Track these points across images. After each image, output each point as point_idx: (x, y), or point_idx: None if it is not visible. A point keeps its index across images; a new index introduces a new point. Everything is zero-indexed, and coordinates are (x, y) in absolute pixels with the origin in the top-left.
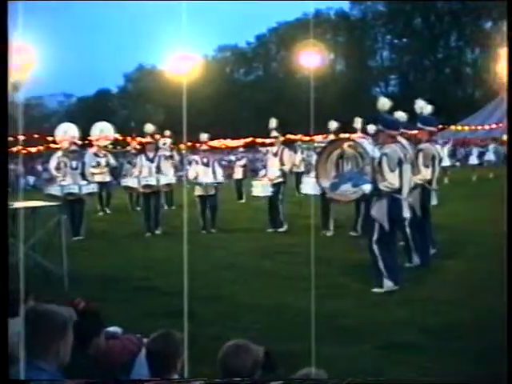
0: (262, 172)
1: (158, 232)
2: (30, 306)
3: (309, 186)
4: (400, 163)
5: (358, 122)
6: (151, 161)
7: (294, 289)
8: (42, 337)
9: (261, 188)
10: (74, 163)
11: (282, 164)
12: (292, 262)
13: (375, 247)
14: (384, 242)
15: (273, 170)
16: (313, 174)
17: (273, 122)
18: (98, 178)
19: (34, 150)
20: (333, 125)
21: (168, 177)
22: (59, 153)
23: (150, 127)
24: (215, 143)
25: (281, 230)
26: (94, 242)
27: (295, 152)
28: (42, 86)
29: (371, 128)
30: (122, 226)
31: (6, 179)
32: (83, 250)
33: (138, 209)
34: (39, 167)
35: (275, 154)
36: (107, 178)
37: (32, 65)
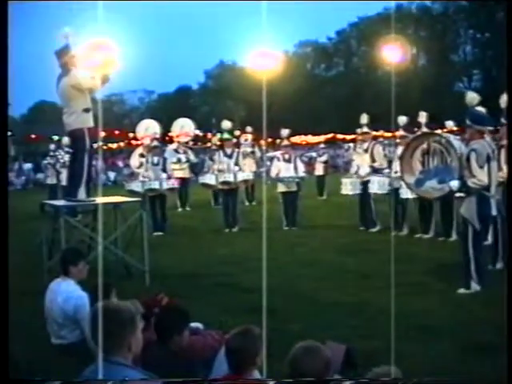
0: (354, 169)
1: (235, 229)
2: (100, 304)
3: (376, 185)
4: (488, 159)
5: (422, 117)
6: (229, 157)
7: (377, 287)
8: (114, 332)
9: (350, 185)
10: (156, 159)
11: (373, 161)
12: (374, 260)
13: (470, 248)
14: (476, 243)
15: (363, 166)
16: (382, 171)
17: (364, 118)
18: (178, 174)
19: (114, 145)
20: (402, 120)
21: (245, 173)
22: (140, 149)
23: (227, 124)
24: (296, 139)
25: (373, 230)
26: (174, 238)
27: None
28: (123, 82)
29: (449, 124)
30: (202, 223)
31: (5, 179)
32: (164, 245)
33: (220, 207)
34: (120, 163)
35: (366, 150)
36: (187, 175)
37: (114, 61)
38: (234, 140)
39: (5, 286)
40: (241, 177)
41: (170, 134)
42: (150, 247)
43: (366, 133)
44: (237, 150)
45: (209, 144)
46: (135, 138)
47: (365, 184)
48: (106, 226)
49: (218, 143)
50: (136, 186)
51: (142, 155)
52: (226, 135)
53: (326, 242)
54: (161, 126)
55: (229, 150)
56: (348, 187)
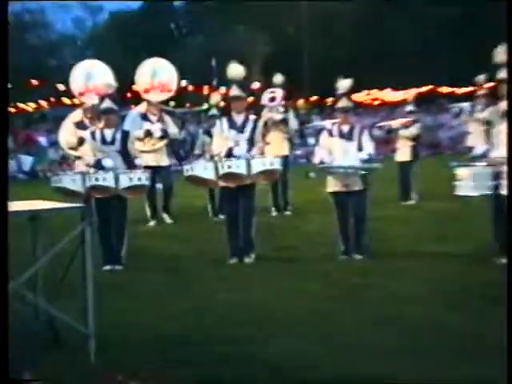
0: (479, 149)
1: (249, 259)
2: None
3: None
4: None
5: None
6: (240, 129)
7: None
8: None
9: (473, 180)
10: (108, 133)
11: None
12: None
13: None
14: None
15: (494, 145)
16: None
17: (500, 54)
18: (148, 161)
19: (31, 107)
20: None
21: (269, 159)
22: (79, 114)
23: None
24: (362, 97)
25: None
26: (141, 278)
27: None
28: None
29: None
30: (190, 249)
31: (5, 178)
32: (122, 289)
33: (222, 216)
34: (42, 139)
35: (502, 114)
36: (165, 161)
37: None
38: (250, 99)
39: (5, 286)
40: (260, 165)
41: (133, 87)
42: (97, 292)
43: (500, 81)
44: (253, 117)
45: (205, 106)
46: (69, 95)
47: (499, 178)
48: (16, 252)
49: (221, 104)
50: (71, 180)
51: (81, 125)
52: (236, 91)
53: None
54: (114, 74)
55: (239, 118)
56: (468, 183)
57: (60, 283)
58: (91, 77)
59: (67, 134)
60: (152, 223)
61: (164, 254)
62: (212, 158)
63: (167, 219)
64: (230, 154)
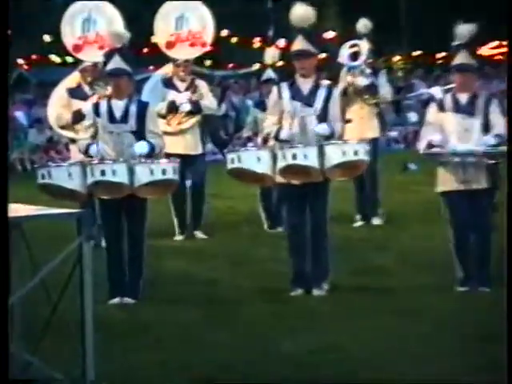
0: None
1: (319, 292)
2: None
3: None
4: None
5: None
6: (307, 100)
7: None
8: None
9: None
10: (118, 106)
11: None
12: None
13: None
14: None
15: None
16: None
17: None
18: (173, 146)
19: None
20: None
21: (350, 144)
22: (73, 78)
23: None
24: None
25: None
26: (162, 313)
27: None
28: None
29: None
30: (242, 269)
31: (5, 177)
32: (133, 331)
33: (281, 229)
34: (18, 114)
35: None
36: (196, 147)
37: None
38: (322, 55)
39: (5, 286)
40: (338, 154)
41: (152, 39)
42: (103, 336)
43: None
44: (326, 82)
45: (254, 67)
46: (60, 50)
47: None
48: None
49: (280, 64)
50: (65, 175)
51: (78, 93)
52: (301, 44)
53: None
54: (125, 20)
55: (306, 84)
56: None
57: (47, 321)
58: (92, 23)
59: (58, 106)
60: (180, 237)
61: (198, 281)
62: (266, 142)
63: (198, 234)
64: (291, 138)
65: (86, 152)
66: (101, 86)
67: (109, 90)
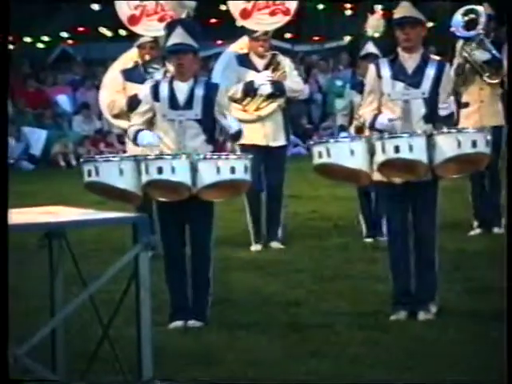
0: None
1: None
2: None
3: None
4: None
5: None
6: (413, 80)
7: None
8: None
9: None
10: (182, 88)
11: None
12: None
13: None
14: None
15: None
16: None
17: None
18: (252, 137)
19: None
20: None
21: (470, 134)
22: (129, 56)
23: None
24: None
25: None
26: (237, 340)
27: None
28: None
29: None
30: (334, 286)
31: (6, 177)
32: (206, 361)
33: (384, 238)
34: (61, 98)
35: None
36: (278, 138)
37: None
38: (430, 24)
39: (5, 286)
40: (452, 147)
41: (221, 7)
42: (163, 366)
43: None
44: (435, 58)
45: (344, 40)
46: (111, 22)
47: None
48: (21, 292)
49: (377, 35)
50: (116, 172)
51: (134, 75)
52: (406, 10)
53: None
54: None
55: (411, 60)
56: None
57: (95, 347)
58: None
59: (112, 90)
60: (257, 247)
61: (276, 301)
62: (361, 131)
63: (275, 244)
64: (392, 127)
65: (134, 140)
66: (156, 68)
67: (170, 70)
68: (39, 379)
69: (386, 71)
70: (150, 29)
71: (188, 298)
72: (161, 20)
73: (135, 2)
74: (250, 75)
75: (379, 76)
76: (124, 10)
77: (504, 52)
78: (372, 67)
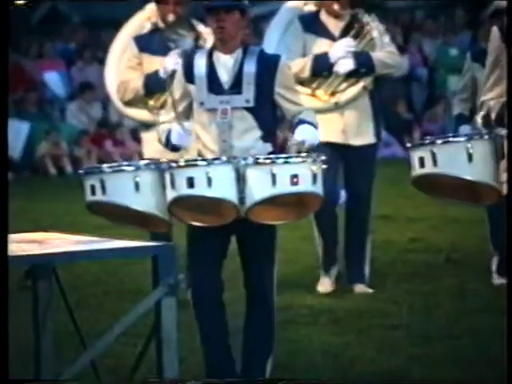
0: None
1: None
2: None
3: None
4: None
5: None
6: None
7: None
8: None
9: None
10: (226, 63)
11: None
12: None
13: None
14: None
15: None
16: None
17: None
18: (325, 133)
19: None
20: None
21: None
22: (145, 15)
23: None
24: None
25: None
26: None
27: None
28: None
29: None
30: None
31: (5, 176)
32: None
33: None
34: (50, 76)
35: None
36: (364, 134)
37: None
38: None
39: (5, 286)
40: None
41: None
42: None
43: None
44: None
45: None
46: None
47: None
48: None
49: None
50: (130, 186)
51: (154, 43)
52: None
53: None
54: None
55: None
56: None
57: None
58: None
59: (124, 66)
60: (328, 286)
61: (363, 369)
62: (488, 123)
63: (359, 287)
64: None
65: (167, 144)
66: (181, 34)
67: (205, 36)
68: (39, 379)
69: None
70: None
71: (231, 358)
72: None
73: None
74: (322, 45)
75: (508, 43)
76: None
77: None
78: (495, 30)
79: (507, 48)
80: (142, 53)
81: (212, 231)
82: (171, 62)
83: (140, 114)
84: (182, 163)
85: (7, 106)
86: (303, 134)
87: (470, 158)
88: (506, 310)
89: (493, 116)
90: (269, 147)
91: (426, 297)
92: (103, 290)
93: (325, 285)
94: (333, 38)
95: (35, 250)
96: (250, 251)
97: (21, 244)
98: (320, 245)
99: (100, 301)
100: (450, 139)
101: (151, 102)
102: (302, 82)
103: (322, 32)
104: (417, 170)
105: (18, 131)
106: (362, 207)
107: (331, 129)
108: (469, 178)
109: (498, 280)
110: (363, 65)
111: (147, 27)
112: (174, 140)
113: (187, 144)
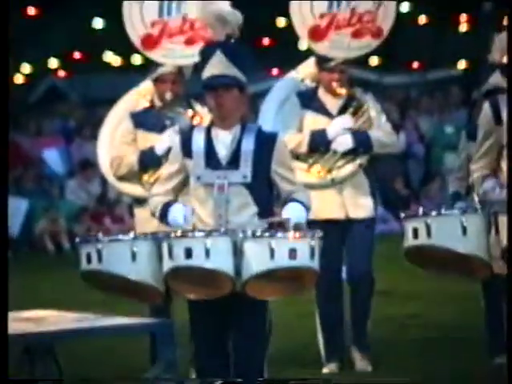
0: None
1: None
2: None
3: None
4: None
5: None
6: None
7: None
8: None
9: None
10: (224, 139)
11: None
12: None
13: None
14: None
15: None
16: None
17: None
18: (323, 207)
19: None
20: None
21: None
22: (141, 93)
23: None
24: None
25: None
26: None
27: None
28: None
29: None
30: None
31: (6, 178)
32: None
33: None
34: (49, 154)
35: None
36: (363, 208)
37: None
38: None
39: (5, 285)
40: None
41: (278, 23)
42: None
43: None
44: None
45: (460, 64)
46: (119, 45)
47: None
48: None
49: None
50: (126, 256)
51: (149, 120)
52: None
53: None
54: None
55: None
56: None
57: None
58: (175, 1)
59: (117, 141)
60: (332, 367)
61: None
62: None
63: (361, 364)
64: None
65: (161, 218)
66: (179, 112)
67: (200, 114)
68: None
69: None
70: (173, 55)
71: None
72: (188, 43)
73: (153, 17)
74: (320, 121)
75: (498, 119)
76: (137, 28)
77: None
78: (487, 107)
79: (507, 47)
80: (137, 129)
81: (208, 305)
82: (167, 139)
83: (133, 189)
84: (180, 233)
85: (7, 186)
86: (290, 212)
87: (464, 231)
88: (506, 311)
89: (476, 188)
90: (265, 224)
91: (428, 377)
92: (101, 368)
93: (329, 369)
94: (331, 116)
95: (32, 327)
96: (240, 325)
97: (17, 323)
98: (320, 330)
99: (98, 379)
100: (445, 211)
101: (145, 178)
102: (298, 157)
103: (320, 109)
104: (410, 241)
105: (17, 208)
106: (364, 282)
107: (331, 205)
108: (462, 251)
109: (498, 360)
110: (361, 143)
111: (142, 104)
112: (177, 219)
113: (187, 224)
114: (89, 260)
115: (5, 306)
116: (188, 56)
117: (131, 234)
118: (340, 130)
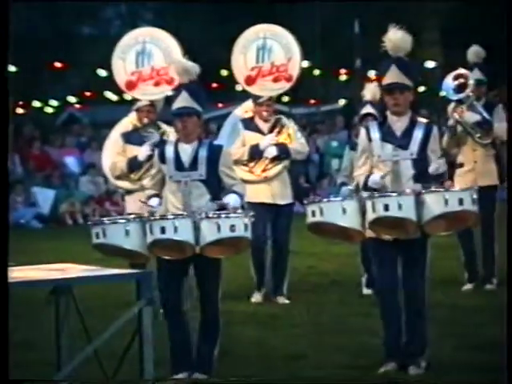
0: None
1: None
2: None
3: None
4: None
5: None
6: (401, 142)
7: None
8: None
9: None
10: (187, 150)
11: None
12: None
13: None
14: None
15: None
16: None
17: None
18: (258, 195)
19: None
20: None
21: (458, 193)
22: (129, 120)
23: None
24: None
25: None
26: None
27: None
28: None
29: None
30: (333, 339)
31: (6, 178)
32: None
33: None
34: (69, 160)
35: None
36: (285, 196)
37: None
38: (420, 89)
39: (5, 286)
40: (439, 204)
41: (222, 72)
42: None
43: None
44: (423, 121)
45: (339, 103)
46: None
47: None
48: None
49: (377, 98)
50: (122, 232)
51: (133, 138)
52: (395, 76)
53: None
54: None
55: (400, 123)
56: None
57: None
58: (147, 56)
59: (113, 153)
60: (257, 297)
61: (277, 354)
62: (356, 191)
63: (280, 299)
64: (382, 186)
65: (145, 203)
66: (151, 132)
67: (166, 133)
68: (39, 379)
69: (375, 134)
70: (147, 93)
71: (191, 351)
72: (156, 84)
73: (131, 68)
74: (256, 138)
75: (369, 139)
76: (121, 76)
77: (496, 113)
78: (362, 131)
79: (507, 47)
80: (126, 144)
81: (175, 262)
82: (145, 150)
83: (125, 184)
84: (157, 217)
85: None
86: (229, 199)
87: (344, 211)
88: (506, 311)
89: (360, 186)
90: (215, 206)
91: (323, 302)
92: (102, 303)
93: (256, 298)
94: (263, 133)
95: (57, 275)
96: (201, 274)
97: (47, 272)
98: (253, 269)
99: (100, 311)
100: (332, 199)
101: (132, 176)
102: (243, 163)
103: (256, 130)
104: (310, 219)
105: (47, 196)
106: (284, 246)
107: (264, 194)
108: (343, 224)
109: (365, 291)
110: (283, 152)
111: (129, 127)
112: (154, 204)
113: (158, 208)
114: (97, 236)
115: (5, 309)
116: (157, 93)
117: (125, 218)
118: (269, 144)
